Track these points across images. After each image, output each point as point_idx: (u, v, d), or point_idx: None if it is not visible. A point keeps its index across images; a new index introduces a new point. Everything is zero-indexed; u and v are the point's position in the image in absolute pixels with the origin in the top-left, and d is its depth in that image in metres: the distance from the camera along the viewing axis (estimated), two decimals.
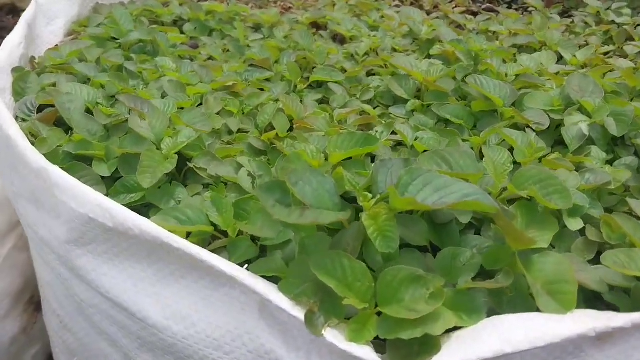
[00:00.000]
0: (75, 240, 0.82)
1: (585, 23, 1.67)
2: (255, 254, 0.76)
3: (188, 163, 0.92)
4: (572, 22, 1.71)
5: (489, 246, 0.77)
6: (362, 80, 1.29)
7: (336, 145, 0.86)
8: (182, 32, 1.63)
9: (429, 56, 1.42)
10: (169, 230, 0.74)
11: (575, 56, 1.35)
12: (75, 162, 0.91)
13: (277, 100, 1.17)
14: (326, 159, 0.87)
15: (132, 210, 0.90)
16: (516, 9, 1.98)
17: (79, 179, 0.90)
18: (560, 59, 1.39)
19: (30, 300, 1.45)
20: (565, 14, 1.88)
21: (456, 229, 0.80)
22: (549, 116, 1.01)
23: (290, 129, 1.05)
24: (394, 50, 1.47)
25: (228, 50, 1.49)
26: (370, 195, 0.74)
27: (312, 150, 0.87)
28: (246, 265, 0.71)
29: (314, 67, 1.38)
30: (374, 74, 1.34)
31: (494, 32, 1.60)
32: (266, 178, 0.83)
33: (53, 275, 0.96)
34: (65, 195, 0.80)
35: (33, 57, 1.35)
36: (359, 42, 1.52)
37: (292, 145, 0.87)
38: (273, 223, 0.74)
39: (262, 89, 1.23)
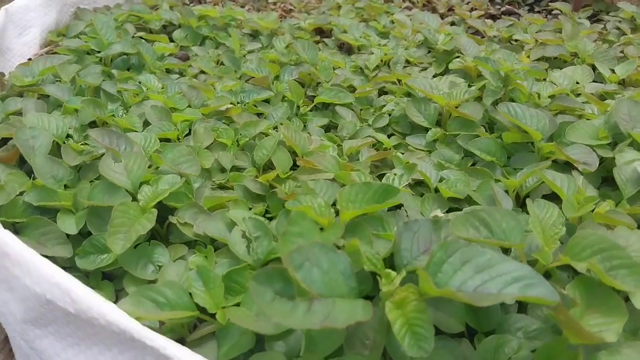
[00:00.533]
0: (34, 320, 0.67)
1: (619, 29, 1.51)
2: (251, 345, 0.61)
3: (171, 217, 0.77)
4: (604, 28, 1.54)
5: (537, 330, 0.63)
6: (374, 102, 1.13)
7: (349, 199, 0.71)
8: (171, 40, 1.47)
9: (447, 70, 1.27)
10: (144, 318, 0.60)
11: (614, 71, 1.19)
12: (37, 217, 0.76)
13: (276, 127, 1.02)
14: (337, 213, 0.72)
15: (105, 274, 0.77)
16: (539, 12, 1.81)
17: (40, 237, 0.76)
18: (592, 69, 1.23)
19: (6, 339, 1.32)
20: (594, 17, 1.71)
21: (498, 308, 0.65)
22: (595, 152, 0.86)
23: (293, 165, 0.90)
24: (408, 62, 1.32)
25: (222, 63, 1.34)
26: (393, 274, 0.59)
27: (320, 205, 0.72)
28: None
29: (318, 83, 1.23)
30: (386, 92, 1.19)
31: (518, 41, 1.44)
32: (264, 241, 0.68)
33: (16, 345, 0.82)
34: (19, 269, 0.65)
35: (2, 74, 1.20)
36: (368, 53, 1.37)
37: (296, 198, 0.72)
38: None
39: (260, 114, 1.07)
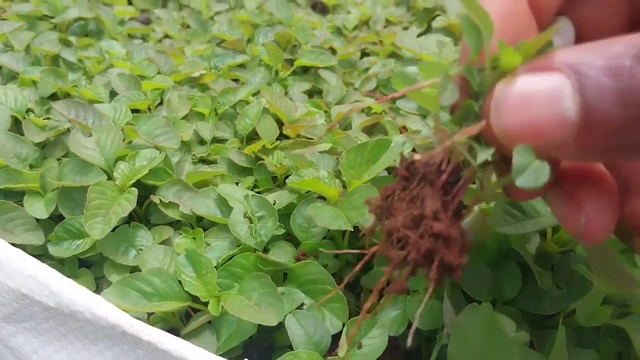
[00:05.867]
0: (6, 316, 0.60)
1: None
2: (252, 332, 0.56)
3: (152, 196, 0.70)
4: None
5: None
6: (357, 64, 1.07)
7: (350, 165, 0.64)
8: (129, 3, 1.37)
9: (429, 29, 1.21)
10: (130, 311, 0.53)
11: None
12: (1, 200, 0.68)
13: (256, 94, 0.95)
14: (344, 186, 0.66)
15: (82, 261, 0.70)
16: None
17: (7, 223, 0.67)
18: None
19: None
20: None
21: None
22: None
23: (279, 135, 0.84)
24: (388, 21, 1.25)
25: (188, 27, 1.25)
26: None
27: (324, 176, 0.65)
28: None
29: (294, 46, 1.16)
30: (368, 54, 1.13)
31: None
32: (268, 222, 0.61)
33: None
34: None
35: None
36: (345, 12, 1.30)
37: (297, 171, 0.66)
38: (276, 299, 0.54)
39: (236, 80, 1.00)
